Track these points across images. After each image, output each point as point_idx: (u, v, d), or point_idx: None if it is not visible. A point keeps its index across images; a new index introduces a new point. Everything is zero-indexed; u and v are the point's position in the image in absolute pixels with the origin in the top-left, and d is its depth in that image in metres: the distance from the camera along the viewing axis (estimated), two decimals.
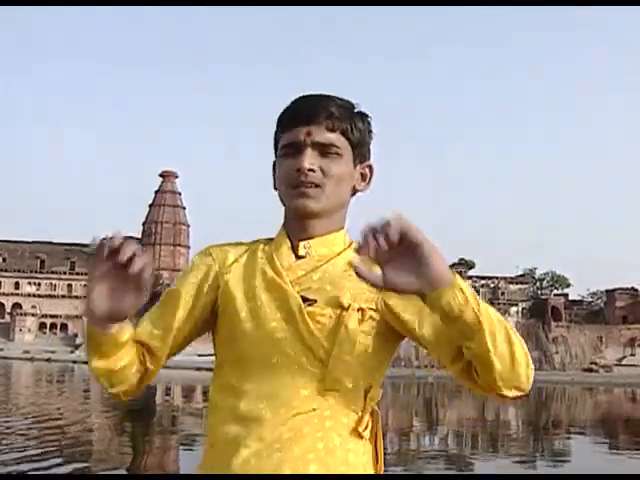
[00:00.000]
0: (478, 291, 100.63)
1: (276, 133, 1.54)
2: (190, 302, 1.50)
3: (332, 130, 1.46)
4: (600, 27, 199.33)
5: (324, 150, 1.46)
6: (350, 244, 1.52)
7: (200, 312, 1.50)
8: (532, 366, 1.34)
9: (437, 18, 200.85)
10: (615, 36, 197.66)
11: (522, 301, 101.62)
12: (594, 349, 74.51)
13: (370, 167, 1.57)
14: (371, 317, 1.43)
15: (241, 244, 1.56)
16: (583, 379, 54.53)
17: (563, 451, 17.40)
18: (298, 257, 1.49)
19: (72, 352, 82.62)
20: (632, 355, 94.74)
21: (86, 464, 12.15)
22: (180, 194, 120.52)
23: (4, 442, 13.78)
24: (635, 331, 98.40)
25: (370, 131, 1.55)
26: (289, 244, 1.50)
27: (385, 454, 1.52)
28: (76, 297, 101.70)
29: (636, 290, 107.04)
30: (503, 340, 1.28)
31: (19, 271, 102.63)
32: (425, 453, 15.60)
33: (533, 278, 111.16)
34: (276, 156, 1.54)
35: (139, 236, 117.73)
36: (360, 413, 1.44)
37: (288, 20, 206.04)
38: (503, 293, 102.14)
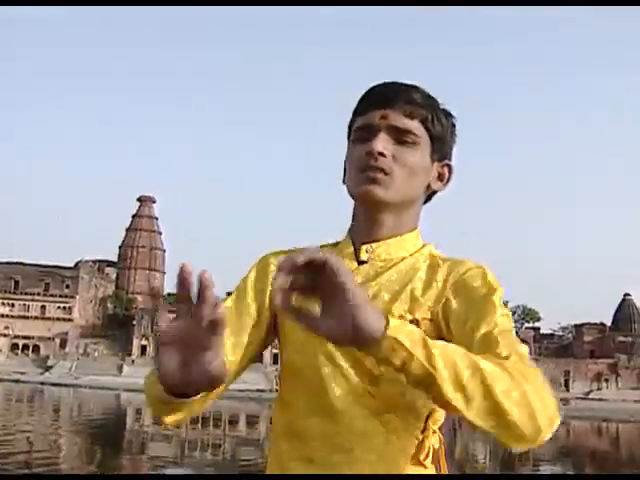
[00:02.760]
0: None
1: (351, 121, 1.41)
2: (254, 314, 1.38)
3: (411, 116, 1.33)
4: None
5: (400, 136, 1.33)
6: (423, 246, 1.40)
7: (266, 323, 1.38)
8: (549, 412, 1.07)
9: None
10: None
11: None
12: (553, 382, 74.94)
13: (449, 167, 1.43)
14: (427, 329, 1.27)
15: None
16: None
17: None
18: (360, 262, 1.37)
19: (42, 374, 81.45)
20: (599, 389, 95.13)
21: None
22: (157, 219, 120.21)
23: None
24: (602, 365, 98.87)
25: (454, 131, 1.42)
26: (352, 249, 1.39)
27: None
28: (49, 319, 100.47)
29: (604, 325, 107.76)
30: (479, 389, 1.03)
31: None
32: None
33: None
34: (349, 142, 1.41)
35: (115, 259, 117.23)
36: (420, 438, 1.30)
37: (260, 43, 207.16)
38: None
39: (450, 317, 1.29)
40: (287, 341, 1.36)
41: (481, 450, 25.39)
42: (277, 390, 1.42)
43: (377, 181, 1.31)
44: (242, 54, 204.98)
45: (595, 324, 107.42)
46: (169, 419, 1.21)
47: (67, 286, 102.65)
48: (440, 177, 1.43)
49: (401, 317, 1.29)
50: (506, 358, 1.11)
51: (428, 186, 1.41)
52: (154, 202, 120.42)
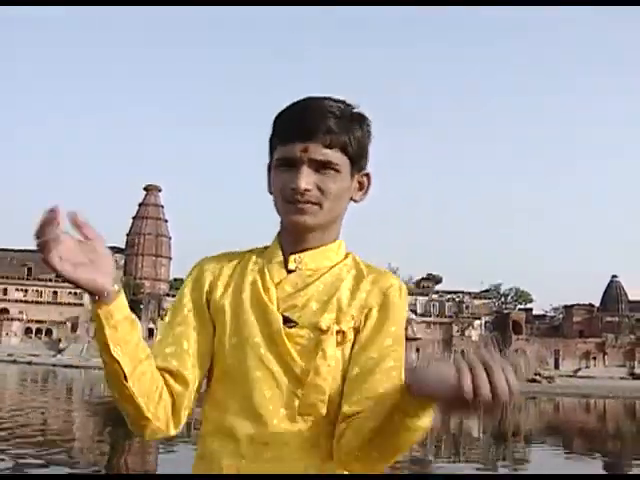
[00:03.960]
0: (444, 305, 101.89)
1: (272, 139, 1.41)
2: (195, 317, 1.40)
3: (330, 147, 1.34)
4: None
5: (321, 167, 1.35)
6: (346, 256, 1.45)
7: (206, 329, 1.40)
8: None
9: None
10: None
11: (485, 315, 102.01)
12: (540, 361, 75.32)
13: (368, 176, 1.46)
14: (352, 338, 1.36)
15: (235, 254, 1.47)
16: (528, 388, 55.83)
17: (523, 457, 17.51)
18: (289, 271, 1.40)
19: (54, 356, 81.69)
20: (587, 367, 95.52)
21: (66, 464, 12.01)
22: (163, 207, 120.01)
23: None
24: (590, 345, 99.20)
25: (369, 135, 1.43)
26: (281, 257, 1.42)
27: None
28: (61, 304, 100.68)
29: (592, 306, 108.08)
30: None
31: (7, 278, 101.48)
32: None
33: (498, 293, 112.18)
34: (270, 160, 1.43)
35: (123, 247, 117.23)
36: None
37: (272, 33, 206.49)
38: (467, 307, 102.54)
39: (367, 324, 1.36)
40: (220, 344, 1.38)
41: (474, 426, 25.55)
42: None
43: (305, 212, 1.35)
44: (246, 54, 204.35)
45: (584, 305, 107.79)
46: (120, 355, 1.22)
47: None
48: (360, 186, 1.46)
49: (328, 328, 1.34)
50: None
51: (351, 198, 1.44)
52: (160, 191, 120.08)
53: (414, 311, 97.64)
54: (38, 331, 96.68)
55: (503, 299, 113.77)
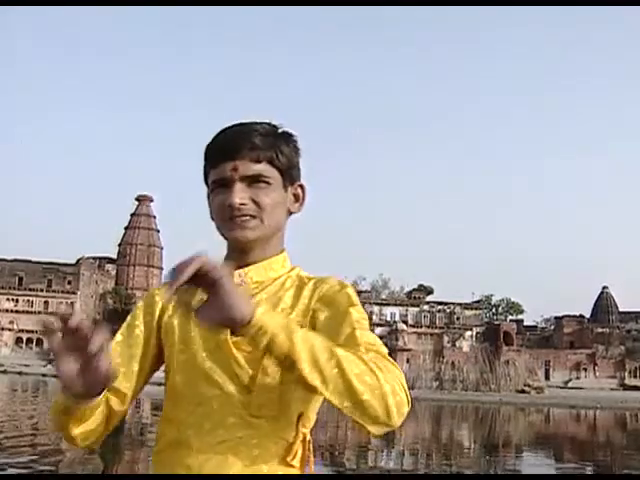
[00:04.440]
0: (435, 316, 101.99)
1: (205, 167, 1.49)
2: (143, 343, 1.48)
3: (258, 161, 1.42)
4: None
5: (253, 181, 1.42)
6: (292, 269, 1.51)
7: (153, 351, 1.49)
8: (398, 398, 1.21)
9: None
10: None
11: (476, 326, 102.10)
12: (530, 372, 75.49)
13: (302, 187, 1.54)
14: None
15: None
16: (517, 399, 56.09)
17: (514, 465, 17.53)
18: None
19: (45, 366, 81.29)
20: (577, 378, 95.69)
21: (56, 472, 11.97)
22: (155, 217, 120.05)
23: None
24: (581, 356, 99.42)
25: (297, 151, 1.51)
26: None
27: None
28: (52, 313, 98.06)
29: (583, 317, 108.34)
30: (332, 368, 1.19)
31: None
32: (382, 470, 15.58)
33: (489, 304, 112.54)
34: (208, 189, 1.50)
35: (115, 257, 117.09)
36: (291, 441, 1.38)
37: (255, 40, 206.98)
38: (458, 318, 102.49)
39: (317, 327, 1.37)
40: (170, 364, 1.45)
41: (465, 436, 25.57)
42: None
43: (246, 226, 1.42)
44: (238, 56, 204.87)
45: (574, 316, 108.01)
46: (76, 430, 1.34)
47: (69, 282, 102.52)
48: (296, 198, 1.53)
49: None
50: (364, 353, 1.25)
51: (288, 210, 1.51)
52: (152, 201, 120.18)
53: (405, 322, 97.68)
54: (29, 341, 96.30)
55: (494, 310, 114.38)
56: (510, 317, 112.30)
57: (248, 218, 1.41)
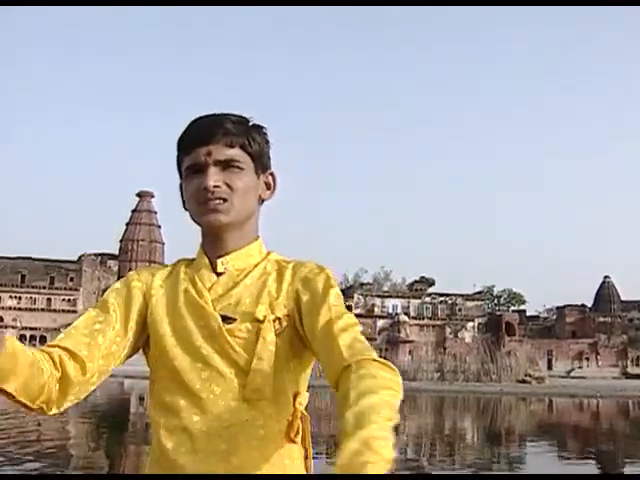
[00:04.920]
0: (437, 307, 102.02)
1: (178, 157, 1.55)
2: (123, 318, 1.49)
3: (231, 146, 1.48)
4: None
5: (226, 166, 1.48)
6: (268, 254, 1.57)
7: (134, 330, 1.49)
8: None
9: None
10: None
11: (478, 317, 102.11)
12: (531, 362, 75.73)
13: (272, 175, 1.59)
14: (288, 325, 1.46)
15: (165, 267, 1.59)
16: (517, 389, 56.38)
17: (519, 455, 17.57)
18: (218, 274, 1.51)
19: None
20: (580, 368, 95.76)
21: (61, 470, 12.02)
22: (156, 213, 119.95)
23: None
24: (583, 345, 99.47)
25: (267, 141, 1.57)
26: (208, 263, 1.53)
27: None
28: (55, 311, 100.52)
29: (585, 306, 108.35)
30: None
31: (0, 285, 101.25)
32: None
33: (491, 295, 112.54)
34: (181, 178, 1.55)
35: (117, 253, 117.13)
36: (290, 419, 1.45)
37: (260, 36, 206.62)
38: (460, 309, 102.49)
39: (301, 308, 1.45)
40: (161, 351, 1.46)
41: (469, 427, 25.66)
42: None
43: (218, 209, 1.47)
44: (238, 56, 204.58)
45: (576, 306, 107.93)
46: (9, 385, 1.27)
47: (71, 279, 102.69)
48: (267, 186, 1.59)
49: (265, 317, 1.44)
50: (359, 362, 1.26)
51: (260, 197, 1.56)
52: (153, 197, 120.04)
53: (407, 314, 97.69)
54: (32, 338, 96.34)
55: (496, 301, 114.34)
56: (512, 308, 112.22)
57: (220, 202, 1.46)
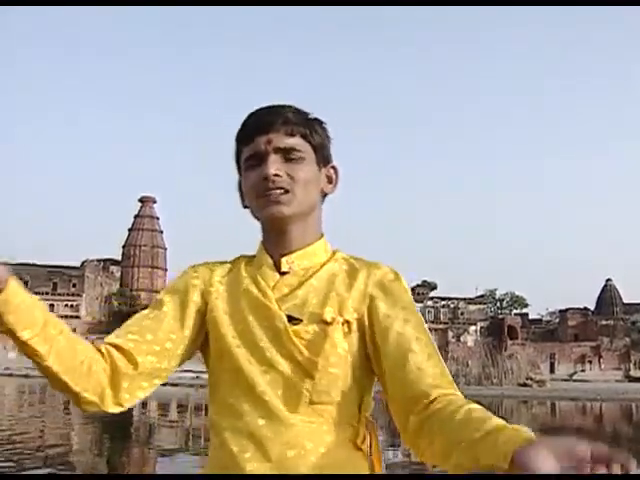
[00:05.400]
0: (439, 311, 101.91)
1: (237, 150, 1.49)
2: (179, 316, 1.42)
3: (291, 134, 1.41)
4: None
5: (287, 155, 1.40)
6: (333, 253, 1.49)
7: (191, 328, 1.43)
8: None
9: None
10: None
11: (480, 320, 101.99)
12: (532, 365, 75.61)
13: (334, 168, 1.52)
14: (357, 328, 1.38)
15: (223, 263, 1.52)
16: (518, 392, 56.43)
17: None
18: (282, 273, 1.44)
19: None
20: (582, 371, 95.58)
21: (63, 472, 12.01)
22: (158, 218, 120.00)
23: None
24: (585, 348, 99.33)
25: (328, 135, 1.51)
26: (270, 261, 1.45)
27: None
28: (57, 316, 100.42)
29: (587, 309, 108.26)
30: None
31: None
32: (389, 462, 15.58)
33: (493, 299, 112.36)
34: (240, 173, 1.49)
35: (119, 258, 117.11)
36: (356, 425, 1.39)
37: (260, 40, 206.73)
38: (462, 313, 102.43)
39: (376, 315, 1.38)
40: (222, 352, 1.39)
41: None
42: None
43: (280, 201, 1.39)
44: (238, 56, 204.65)
45: (579, 309, 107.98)
46: (51, 363, 1.26)
47: (74, 285, 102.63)
48: (329, 179, 1.51)
49: (333, 319, 1.36)
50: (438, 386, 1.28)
51: (321, 191, 1.49)
52: (155, 202, 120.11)
53: None
54: None
55: (498, 304, 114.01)
56: (515, 311, 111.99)
57: (282, 191, 1.39)
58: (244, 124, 1.45)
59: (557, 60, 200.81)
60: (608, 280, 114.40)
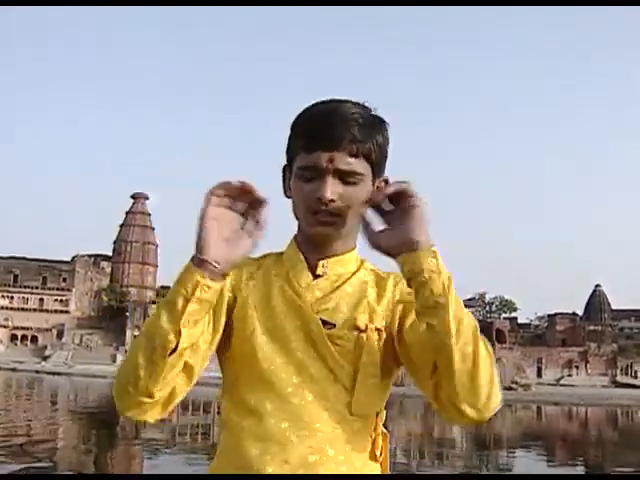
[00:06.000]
0: None
1: (294, 144, 1.39)
2: (210, 318, 1.32)
3: (355, 156, 1.32)
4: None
5: (345, 177, 1.32)
6: (362, 262, 1.46)
7: (223, 325, 1.35)
8: (497, 398, 1.27)
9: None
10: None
11: None
12: (518, 369, 75.90)
13: (386, 182, 1.41)
14: (386, 336, 1.36)
15: (251, 259, 1.44)
16: (503, 396, 56.87)
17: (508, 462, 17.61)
18: (315, 276, 1.40)
19: (40, 363, 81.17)
20: (569, 376, 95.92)
21: (50, 468, 12.00)
22: (150, 215, 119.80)
23: None
24: (573, 353, 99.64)
25: (388, 140, 1.40)
26: (305, 262, 1.41)
27: None
28: (47, 311, 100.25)
29: (575, 315, 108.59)
30: (470, 337, 1.21)
31: None
32: None
33: (483, 302, 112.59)
34: (289, 165, 1.41)
35: (110, 254, 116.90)
36: (373, 435, 1.37)
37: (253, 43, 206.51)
38: None
39: (407, 323, 1.34)
40: (249, 347, 1.34)
41: (458, 433, 25.65)
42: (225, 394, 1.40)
43: (328, 224, 1.34)
44: (238, 56, 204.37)
45: (567, 314, 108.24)
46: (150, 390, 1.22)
47: (64, 279, 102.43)
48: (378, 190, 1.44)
49: (367, 326, 1.33)
50: None
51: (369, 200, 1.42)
52: (147, 199, 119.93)
53: None
54: (24, 338, 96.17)
55: (488, 308, 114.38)
56: (504, 315, 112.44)
57: (332, 216, 1.33)
58: (307, 125, 1.36)
59: (557, 60, 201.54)
60: (597, 286, 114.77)
